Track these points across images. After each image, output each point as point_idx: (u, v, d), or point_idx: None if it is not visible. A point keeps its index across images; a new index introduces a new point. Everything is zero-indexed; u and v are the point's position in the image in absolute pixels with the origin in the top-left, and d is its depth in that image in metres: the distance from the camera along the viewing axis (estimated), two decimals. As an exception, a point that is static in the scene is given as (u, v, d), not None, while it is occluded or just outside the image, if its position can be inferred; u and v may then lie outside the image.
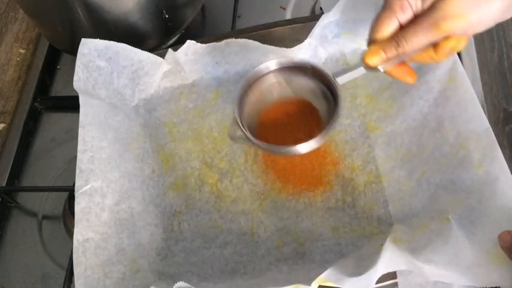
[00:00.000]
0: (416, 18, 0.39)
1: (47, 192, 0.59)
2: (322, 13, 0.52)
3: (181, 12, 0.63)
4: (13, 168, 0.61)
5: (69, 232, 0.53)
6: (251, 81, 0.47)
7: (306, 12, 0.70)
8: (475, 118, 0.45)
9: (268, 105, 0.48)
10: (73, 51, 0.52)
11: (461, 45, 0.40)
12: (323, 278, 0.38)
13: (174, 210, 0.50)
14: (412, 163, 0.48)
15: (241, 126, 0.45)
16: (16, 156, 0.61)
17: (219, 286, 0.44)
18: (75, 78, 0.50)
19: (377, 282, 0.38)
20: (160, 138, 0.54)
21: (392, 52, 0.40)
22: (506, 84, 0.62)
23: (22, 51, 0.71)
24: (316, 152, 0.50)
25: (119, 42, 0.51)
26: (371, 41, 0.41)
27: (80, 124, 0.47)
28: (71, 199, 0.52)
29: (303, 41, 0.52)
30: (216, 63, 0.55)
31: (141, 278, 0.44)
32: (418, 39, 0.38)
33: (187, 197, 0.51)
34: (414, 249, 0.40)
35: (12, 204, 0.59)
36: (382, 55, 0.40)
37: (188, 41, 0.52)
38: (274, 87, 0.48)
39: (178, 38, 0.66)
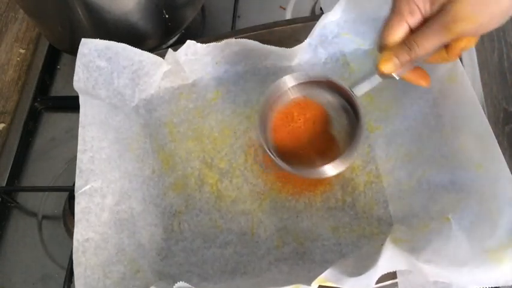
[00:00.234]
0: (426, 22, 0.39)
1: (47, 192, 0.59)
2: (322, 13, 0.52)
3: (181, 12, 0.63)
4: (13, 168, 0.61)
5: (69, 232, 0.53)
6: (270, 101, 0.47)
7: (306, 12, 0.70)
8: (475, 118, 0.45)
9: (289, 121, 0.49)
10: (73, 51, 0.52)
11: (472, 44, 0.40)
12: (323, 278, 0.38)
13: (174, 210, 0.50)
14: (412, 163, 0.48)
15: (269, 151, 0.45)
16: (16, 156, 0.61)
17: (219, 286, 0.44)
18: (75, 78, 0.50)
19: (377, 282, 0.39)
20: (161, 138, 0.54)
21: (405, 57, 0.40)
22: (506, 84, 0.62)
23: (22, 51, 0.71)
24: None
25: (119, 42, 0.51)
26: (382, 47, 0.41)
27: (80, 124, 0.47)
28: (71, 199, 0.52)
29: (303, 41, 0.52)
30: (216, 63, 0.55)
31: (141, 278, 0.44)
32: (430, 43, 0.38)
33: (187, 197, 0.51)
34: (414, 249, 0.40)
35: (12, 204, 0.59)
36: (396, 61, 0.40)
37: (188, 41, 0.52)
38: (293, 104, 0.48)
39: (178, 38, 0.66)
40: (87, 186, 0.45)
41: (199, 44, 0.52)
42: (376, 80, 0.43)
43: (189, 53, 0.53)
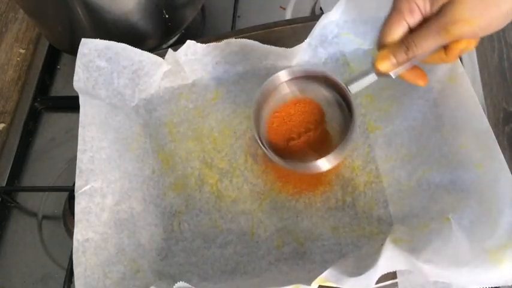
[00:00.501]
0: (426, 22, 0.39)
1: (47, 192, 0.59)
2: (322, 13, 0.52)
3: (181, 12, 0.63)
4: (13, 168, 0.61)
5: (69, 232, 0.53)
6: (265, 95, 0.47)
7: (306, 12, 0.70)
8: (475, 118, 0.45)
9: (284, 116, 0.49)
10: (73, 51, 0.52)
11: (471, 46, 0.40)
12: (323, 278, 0.38)
13: (174, 210, 0.50)
14: (412, 163, 0.48)
15: (262, 145, 0.45)
16: (16, 156, 0.61)
17: (219, 286, 0.44)
18: (75, 78, 0.50)
19: (377, 282, 0.39)
20: (161, 138, 0.54)
21: (402, 56, 0.39)
22: (506, 84, 0.62)
23: (22, 51, 0.71)
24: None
25: (119, 42, 0.51)
26: (381, 46, 0.41)
27: (80, 124, 0.47)
28: (71, 199, 0.52)
29: (303, 41, 0.52)
30: (216, 63, 0.55)
31: (141, 278, 0.44)
32: (428, 43, 0.38)
33: (187, 197, 0.51)
34: (414, 249, 0.40)
35: (12, 204, 0.59)
36: (393, 60, 0.40)
37: (188, 41, 0.52)
38: (288, 97, 0.48)
39: (178, 38, 0.66)
40: (87, 186, 0.45)
41: (199, 44, 0.52)
42: (373, 78, 0.43)
43: (189, 53, 0.53)
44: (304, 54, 0.54)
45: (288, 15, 0.70)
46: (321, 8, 0.68)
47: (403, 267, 0.40)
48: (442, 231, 0.41)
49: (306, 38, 0.52)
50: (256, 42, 0.52)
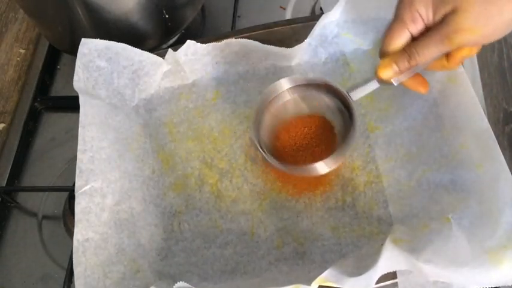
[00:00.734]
0: (428, 30, 0.39)
1: (47, 192, 0.59)
2: (322, 13, 0.52)
3: (181, 12, 0.63)
4: (13, 168, 0.61)
5: (69, 232, 0.53)
6: (266, 101, 0.48)
7: (306, 12, 0.70)
8: (475, 118, 0.45)
9: (285, 124, 0.49)
10: (73, 51, 0.52)
11: (473, 53, 0.40)
12: (323, 278, 0.38)
13: (174, 210, 0.50)
14: (412, 163, 0.48)
15: (261, 149, 0.46)
16: (16, 156, 0.61)
17: (219, 286, 0.44)
18: (75, 78, 0.50)
19: (377, 282, 0.39)
20: (161, 138, 0.54)
21: (404, 65, 0.40)
22: (506, 85, 0.62)
23: (22, 51, 0.71)
24: (316, 152, 0.51)
25: (119, 42, 0.51)
26: (383, 54, 0.41)
27: (80, 124, 0.47)
28: (71, 199, 0.52)
29: (303, 41, 0.52)
30: (216, 63, 0.55)
31: (141, 278, 0.44)
32: (430, 52, 0.38)
33: (187, 197, 0.51)
34: (414, 249, 0.40)
35: (12, 204, 0.59)
36: (395, 68, 0.40)
37: (188, 41, 0.52)
38: (289, 105, 0.48)
39: (178, 38, 0.66)
40: (87, 186, 0.45)
41: (199, 44, 0.52)
42: (375, 85, 0.43)
43: (189, 53, 0.53)
44: (304, 54, 0.54)
45: (288, 15, 0.70)
46: (321, 8, 0.68)
47: (403, 267, 0.40)
48: (442, 231, 0.41)
49: (306, 38, 0.52)
50: (256, 42, 0.52)
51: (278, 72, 0.55)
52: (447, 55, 0.40)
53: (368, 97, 0.53)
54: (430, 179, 0.46)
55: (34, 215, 0.58)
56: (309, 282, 0.38)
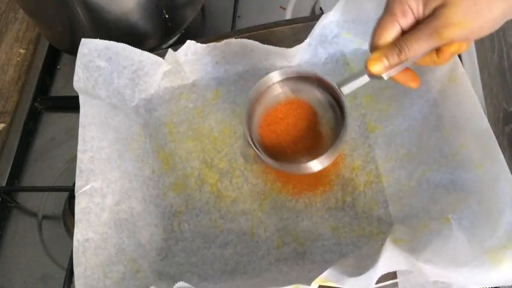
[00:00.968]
0: (418, 24, 0.39)
1: (47, 192, 0.59)
2: (322, 13, 0.52)
3: (181, 12, 0.63)
4: (13, 168, 0.61)
5: (69, 232, 0.53)
6: (257, 95, 0.47)
7: (306, 12, 0.70)
8: (475, 118, 0.45)
9: (276, 117, 0.49)
10: (73, 51, 0.52)
11: (463, 49, 0.40)
12: (323, 278, 0.38)
13: (174, 210, 0.50)
14: (412, 163, 0.48)
15: (253, 146, 0.45)
16: (16, 156, 0.61)
17: (219, 286, 0.44)
18: (75, 78, 0.50)
19: (377, 282, 0.39)
20: (161, 138, 0.54)
21: (394, 59, 0.39)
22: (506, 84, 0.62)
23: (22, 51, 0.71)
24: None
25: (119, 42, 0.51)
26: (373, 48, 0.41)
27: (80, 124, 0.47)
28: (71, 199, 0.52)
29: (303, 41, 0.52)
30: (216, 63, 0.55)
31: (141, 278, 0.44)
32: (420, 46, 0.38)
33: (187, 197, 0.51)
34: (414, 249, 0.40)
35: (12, 204, 0.59)
36: (385, 62, 0.40)
37: (188, 41, 0.52)
38: (280, 98, 0.48)
39: (178, 38, 0.66)
40: (87, 186, 0.45)
41: (199, 44, 0.52)
42: (365, 79, 0.43)
43: (189, 53, 0.53)
44: (304, 54, 0.54)
45: (288, 15, 0.70)
46: (321, 8, 0.68)
47: (403, 267, 0.40)
48: (442, 231, 0.41)
49: (306, 38, 0.52)
50: (256, 42, 0.52)
51: (278, 72, 0.55)
52: (437, 50, 0.40)
53: (368, 97, 0.53)
54: (430, 179, 0.46)
55: (34, 215, 0.58)
56: (309, 282, 0.38)
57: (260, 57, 0.54)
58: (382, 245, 0.40)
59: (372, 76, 0.42)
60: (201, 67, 0.55)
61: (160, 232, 0.49)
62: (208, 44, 0.53)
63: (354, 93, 0.53)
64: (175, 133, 0.54)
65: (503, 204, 0.40)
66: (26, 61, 0.71)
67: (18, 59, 0.71)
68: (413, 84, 0.43)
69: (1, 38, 0.72)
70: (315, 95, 0.47)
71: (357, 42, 0.54)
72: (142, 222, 0.48)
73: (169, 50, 0.52)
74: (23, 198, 0.60)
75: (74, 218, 0.44)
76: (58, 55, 0.71)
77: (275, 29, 0.56)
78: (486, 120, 0.44)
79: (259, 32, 0.56)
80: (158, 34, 0.63)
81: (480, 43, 0.64)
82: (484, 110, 0.45)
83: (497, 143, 0.43)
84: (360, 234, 0.47)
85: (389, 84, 0.52)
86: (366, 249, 0.45)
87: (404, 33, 0.40)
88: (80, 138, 0.47)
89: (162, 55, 0.53)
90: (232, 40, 0.52)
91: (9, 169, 0.60)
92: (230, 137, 0.53)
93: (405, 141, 0.49)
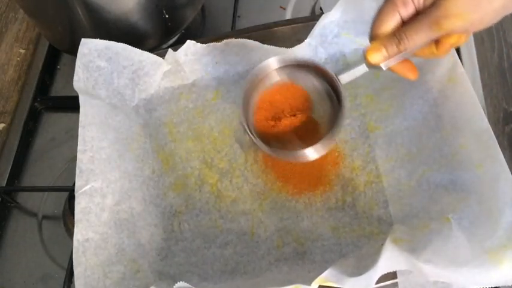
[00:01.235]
0: (418, 15, 0.39)
1: (47, 192, 0.59)
2: (322, 13, 0.52)
3: (181, 12, 0.63)
4: (13, 168, 0.61)
5: (69, 232, 0.53)
6: (254, 82, 0.46)
7: (306, 12, 0.70)
8: (475, 118, 0.45)
9: (273, 106, 0.48)
10: (73, 51, 0.52)
11: (462, 41, 0.40)
12: (323, 278, 0.38)
13: (174, 210, 0.50)
14: (412, 163, 0.48)
15: (248, 131, 0.44)
16: (16, 156, 0.61)
17: (219, 286, 0.44)
18: (75, 78, 0.50)
19: (377, 282, 0.39)
20: (161, 138, 0.54)
21: (393, 49, 0.39)
22: (506, 85, 0.62)
23: (22, 51, 0.71)
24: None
25: (119, 42, 0.51)
26: (373, 37, 0.41)
27: (80, 124, 0.47)
28: (71, 199, 0.52)
29: (303, 41, 0.52)
30: (216, 63, 0.55)
31: (141, 278, 0.44)
32: (419, 37, 0.38)
33: (187, 197, 0.51)
34: (414, 249, 0.40)
35: (12, 204, 0.59)
36: (384, 52, 0.40)
37: (188, 41, 0.52)
38: (278, 86, 0.47)
39: (178, 38, 0.66)
40: (87, 186, 0.45)
41: (199, 44, 0.52)
42: (363, 69, 0.43)
43: (189, 53, 0.53)
44: (304, 54, 0.54)
45: (288, 15, 0.70)
46: (321, 8, 0.68)
47: (403, 267, 0.40)
48: (442, 231, 0.41)
49: (306, 38, 0.52)
50: (256, 42, 0.52)
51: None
52: (436, 42, 0.40)
53: (368, 97, 0.53)
54: (430, 179, 0.46)
55: (34, 215, 0.58)
56: (309, 282, 0.38)
57: (260, 57, 0.54)
58: (382, 245, 0.40)
59: (371, 66, 0.42)
60: (201, 67, 0.55)
61: (160, 232, 0.49)
62: (208, 44, 0.53)
63: (354, 93, 0.53)
64: (175, 133, 0.54)
65: (503, 204, 0.40)
66: (26, 61, 0.71)
67: (18, 59, 0.71)
68: (411, 76, 0.43)
69: (1, 38, 0.72)
70: (313, 83, 0.46)
71: (357, 42, 0.54)
72: (142, 222, 0.48)
73: (169, 50, 0.52)
74: (23, 198, 0.60)
75: (74, 218, 0.44)
76: (58, 55, 0.71)
77: (275, 29, 0.56)
78: (486, 120, 0.44)
79: (259, 32, 0.56)
80: (158, 34, 0.63)
81: (480, 43, 0.64)
82: (484, 110, 0.45)
83: (497, 143, 0.43)
84: (360, 234, 0.47)
85: (390, 84, 0.52)
86: (366, 249, 0.45)
87: (404, 23, 0.40)
88: (80, 138, 0.47)
89: (162, 55, 0.53)
90: (232, 40, 0.52)
91: (9, 169, 0.60)
92: (230, 137, 0.53)
93: (405, 141, 0.49)
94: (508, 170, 0.41)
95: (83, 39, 0.51)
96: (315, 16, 0.66)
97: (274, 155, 0.45)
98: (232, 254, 0.47)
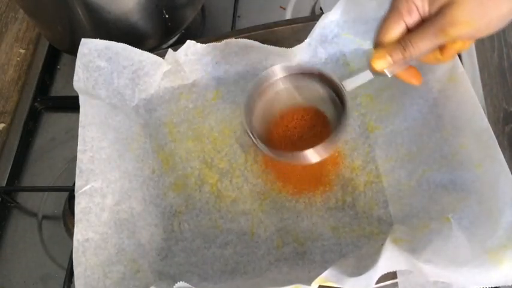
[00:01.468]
0: (423, 22, 0.39)
1: (47, 192, 0.59)
2: (322, 13, 0.52)
3: (181, 12, 0.63)
4: (13, 168, 0.61)
5: (69, 232, 0.53)
6: (259, 89, 0.47)
7: (306, 12, 0.70)
8: (475, 118, 0.45)
9: (278, 112, 0.48)
10: (73, 51, 0.52)
11: (467, 46, 0.40)
12: (323, 278, 0.38)
13: (174, 210, 0.50)
14: (412, 163, 0.48)
15: (252, 136, 0.45)
16: (16, 156, 0.61)
17: (219, 286, 0.44)
18: (75, 78, 0.50)
19: (377, 282, 0.39)
20: (161, 138, 0.54)
21: (398, 56, 0.39)
22: (506, 84, 0.62)
23: (22, 51, 0.71)
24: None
25: (119, 42, 0.51)
26: (377, 44, 0.41)
27: (80, 124, 0.47)
28: (71, 199, 0.52)
29: (303, 41, 0.52)
30: (216, 63, 0.55)
31: (141, 278, 0.44)
32: (425, 44, 0.38)
33: (187, 197, 0.51)
34: (414, 249, 0.40)
35: (12, 204, 0.59)
36: (389, 59, 0.40)
37: (188, 41, 0.52)
38: (282, 94, 0.48)
39: (178, 38, 0.66)
40: (87, 186, 0.45)
41: (199, 44, 0.52)
42: (368, 76, 0.43)
43: (189, 53, 0.53)
44: (304, 54, 0.54)
45: (288, 15, 0.70)
46: (321, 8, 0.68)
47: (403, 267, 0.40)
48: (442, 231, 0.41)
49: (306, 38, 0.52)
50: (256, 42, 0.52)
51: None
52: (441, 48, 0.40)
53: (368, 97, 0.53)
54: (430, 179, 0.46)
55: (34, 215, 0.58)
56: (309, 282, 0.38)
57: (260, 57, 0.54)
58: (382, 245, 0.40)
59: (375, 73, 0.42)
60: (201, 67, 0.55)
61: (160, 232, 0.49)
62: (208, 44, 0.53)
63: (354, 93, 0.53)
64: (175, 133, 0.54)
65: (503, 204, 0.40)
66: (26, 61, 0.71)
67: (18, 59, 0.71)
68: (415, 81, 0.43)
69: (1, 38, 0.72)
70: (318, 91, 0.47)
71: (357, 42, 0.54)
72: (142, 222, 0.48)
73: (169, 50, 0.52)
74: (23, 198, 0.60)
75: (74, 218, 0.44)
76: (58, 55, 0.71)
77: (275, 29, 0.56)
78: (486, 120, 0.44)
79: (259, 32, 0.56)
80: (158, 34, 0.63)
81: (480, 43, 0.64)
82: (484, 110, 0.45)
83: (497, 143, 0.43)
84: (360, 234, 0.47)
85: (390, 84, 0.52)
86: (366, 249, 0.45)
87: (409, 30, 0.40)
88: (80, 138, 0.47)
89: (162, 55, 0.53)
90: (232, 40, 0.52)
91: (9, 169, 0.60)
92: (230, 137, 0.53)
93: (405, 141, 0.49)
94: (508, 170, 0.41)
95: (83, 39, 0.51)
96: (315, 16, 0.66)
97: (275, 157, 0.45)
98: (232, 254, 0.47)
